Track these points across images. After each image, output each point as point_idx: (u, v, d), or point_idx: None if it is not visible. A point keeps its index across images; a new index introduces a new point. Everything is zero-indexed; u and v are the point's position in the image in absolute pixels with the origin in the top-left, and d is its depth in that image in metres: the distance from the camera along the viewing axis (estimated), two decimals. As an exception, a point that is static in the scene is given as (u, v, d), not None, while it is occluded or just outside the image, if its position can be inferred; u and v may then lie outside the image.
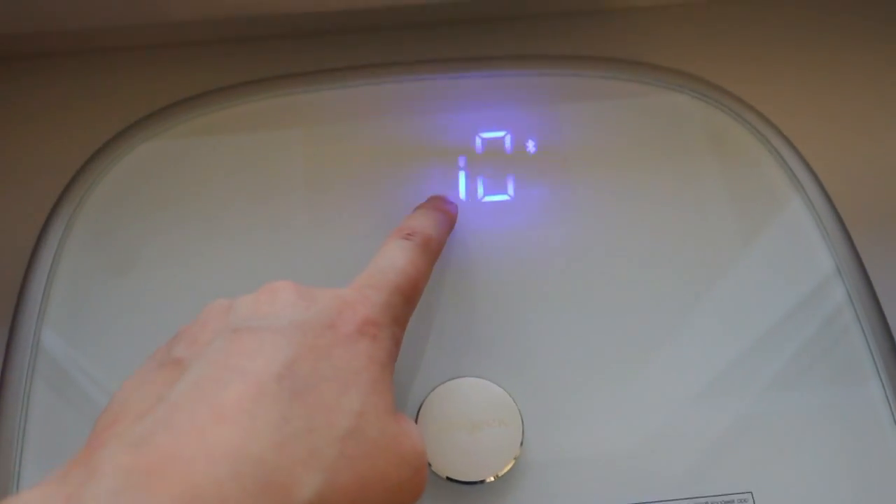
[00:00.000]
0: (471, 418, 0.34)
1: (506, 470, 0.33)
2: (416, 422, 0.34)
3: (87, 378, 0.36)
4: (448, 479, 0.33)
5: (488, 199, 0.40)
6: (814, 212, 0.39)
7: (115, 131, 0.42)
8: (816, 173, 0.41)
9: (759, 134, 0.42)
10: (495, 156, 0.41)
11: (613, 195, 0.41)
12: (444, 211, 0.37)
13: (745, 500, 0.34)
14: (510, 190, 0.41)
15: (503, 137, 0.41)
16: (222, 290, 0.36)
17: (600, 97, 0.43)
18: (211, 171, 0.41)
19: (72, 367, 0.36)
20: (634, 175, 0.41)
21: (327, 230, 0.40)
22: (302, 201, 0.40)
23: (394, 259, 0.32)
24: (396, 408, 0.28)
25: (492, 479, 0.33)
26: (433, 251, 0.34)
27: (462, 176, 0.41)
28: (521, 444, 0.34)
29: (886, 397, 0.36)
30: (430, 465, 0.33)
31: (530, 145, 0.41)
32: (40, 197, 0.41)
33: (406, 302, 0.31)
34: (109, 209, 0.40)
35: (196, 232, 0.40)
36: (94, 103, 0.43)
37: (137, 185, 0.41)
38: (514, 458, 0.34)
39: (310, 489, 0.23)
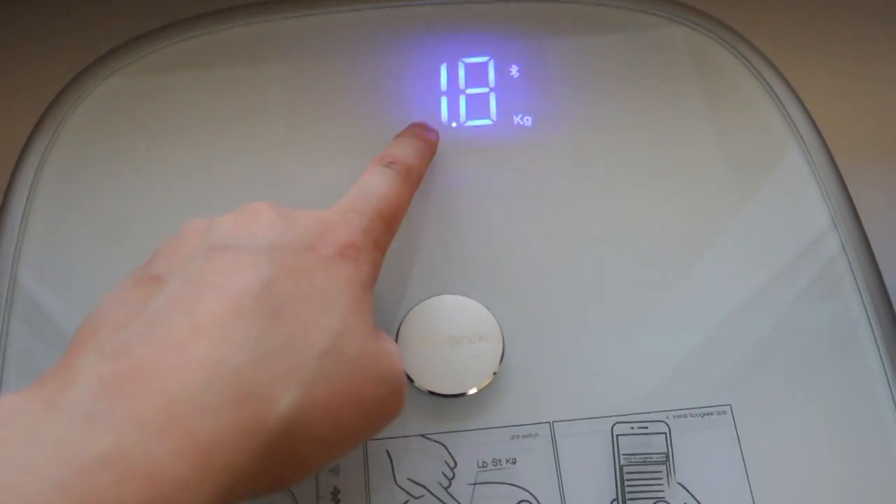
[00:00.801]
0: (452, 334, 0.34)
1: (486, 383, 0.34)
2: (397, 338, 0.34)
3: (65, 316, 0.36)
4: (430, 392, 0.34)
5: (471, 123, 0.40)
6: (810, 159, 0.39)
7: (82, 66, 0.42)
8: (814, 119, 0.40)
9: (757, 73, 0.42)
10: (478, 81, 0.41)
11: (600, 123, 0.41)
12: (426, 139, 0.37)
13: (723, 412, 0.34)
14: (493, 115, 0.40)
15: (486, 63, 0.41)
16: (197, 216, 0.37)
17: (588, 24, 0.43)
18: (184, 100, 0.41)
19: (49, 305, 0.36)
20: (623, 104, 0.41)
21: (306, 157, 0.40)
22: (280, 129, 0.40)
23: (376, 185, 0.32)
24: (376, 328, 0.28)
25: (473, 391, 0.34)
26: (414, 180, 0.34)
27: (444, 101, 0.40)
28: (502, 358, 0.34)
29: (870, 324, 0.36)
30: (412, 379, 0.34)
31: (514, 70, 0.41)
32: (10, 136, 0.40)
33: (387, 228, 0.31)
34: (82, 144, 0.40)
35: (171, 162, 0.40)
36: (59, 38, 0.43)
37: (109, 118, 0.41)
38: (494, 373, 0.34)
39: (287, 403, 0.23)
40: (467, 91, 0.41)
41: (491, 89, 0.41)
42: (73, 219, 0.38)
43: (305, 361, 0.24)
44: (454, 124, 0.41)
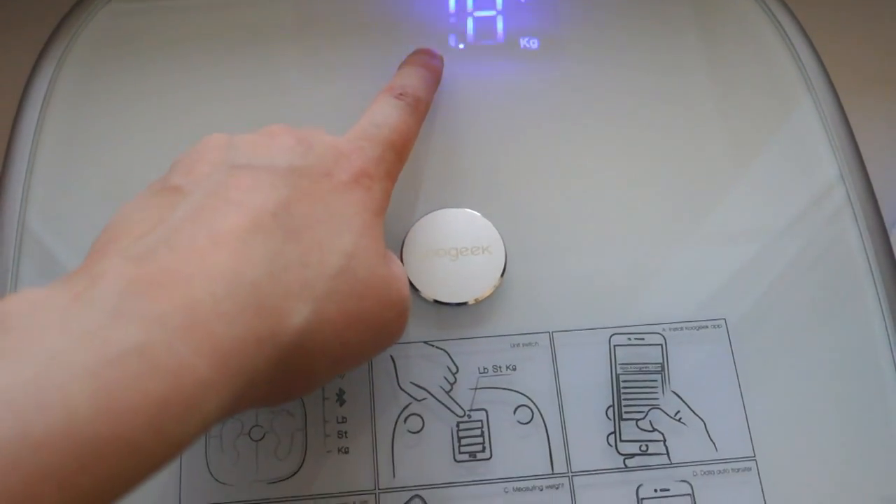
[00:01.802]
0: (455, 245, 0.35)
1: (488, 293, 0.35)
2: (402, 249, 0.35)
3: (74, 257, 0.36)
4: (434, 301, 0.34)
5: (478, 44, 0.41)
6: (820, 109, 0.40)
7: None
8: (827, 69, 0.41)
9: (772, 15, 0.42)
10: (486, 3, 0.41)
11: (608, 49, 0.41)
12: (432, 68, 0.38)
13: (718, 326, 0.35)
14: (500, 35, 0.41)
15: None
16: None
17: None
18: (189, 25, 0.41)
19: (58, 248, 0.37)
20: (630, 37, 0.42)
21: (315, 81, 0.40)
22: (288, 53, 0.41)
23: (387, 116, 0.32)
24: (387, 253, 0.29)
25: (474, 301, 0.34)
26: (422, 111, 0.35)
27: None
28: (504, 270, 0.35)
29: (864, 248, 0.36)
30: (417, 289, 0.34)
31: (521, -5, 0.41)
32: (12, 69, 0.40)
33: (398, 158, 0.32)
34: (85, 76, 0.40)
35: (178, 90, 0.40)
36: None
37: (111, 47, 0.41)
38: (497, 284, 0.35)
39: (300, 317, 0.24)
40: (475, 13, 0.41)
41: (498, 12, 0.41)
42: (80, 153, 0.39)
43: (318, 280, 0.25)
44: (461, 45, 0.41)
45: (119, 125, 0.39)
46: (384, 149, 0.31)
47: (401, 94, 0.34)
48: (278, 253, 0.24)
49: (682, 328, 0.35)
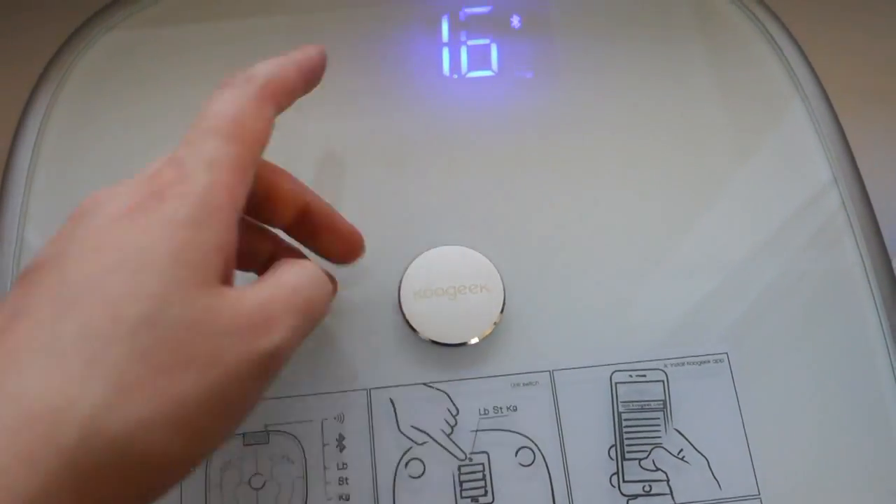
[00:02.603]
0: (453, 284, 0.35)
1: (487, 333, 0.34)
2: (399, 288, 0.35)
3: None
4: (432, 341, 0.34)
5: (472, 74, 0.40)
6: (812, 114, 0.39)
7: (82, 19, 0.42)
8: (817, 73, 0.40)
9: (761, 25, 0.41)
10: (479, 30, 0.41)
11: (601, 74, 0.41)
12: (296, 59, 0.30)
13: (720, 360, 0.35)
14: (494, 65, 0.40)
15: (488, 12, 0.41)
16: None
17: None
18: (186, 53, 0.41)
19: None
20: (624, 56, 0.41)
21: (307, 109, 0.40)
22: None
23: (205, 108, 0.26)
24: (223, 275, 0.22)
25: (474, 341, 0.34)
26: (264, 89, 0.27)
27: (445, 52, 0.40)
28: (503, 308, 0.35)
29: (866, 275, 0.36)
30: (415, 329, 0.34)
31: (515, 21, 0.41)
32: (12, 91, 0.40)
33: (227, 142, 0.24)
34: (84, 98, 0.40)
35: (174, 116, 0.39)
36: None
37: (110, 71, 0.41)
38: (495, 322, 0.34)
39: (86, 403, 0.18)
40: (469, 42, 0.41)
41: (492, 41, 0.41)
42: (78, 175, 0.38)
43: (108, 347, 0.19)
44: (455, 76, 0.40)
45: (115, 151, 0.39)
46: (200, 135, 0.24)
47: (225, 83, 0.27)
48: (52, 339, 0.19)
49: (683, 363, 0.35)
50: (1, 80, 0.41)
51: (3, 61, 0.41)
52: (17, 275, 0.36)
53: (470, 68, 0.40)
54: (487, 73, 0.40)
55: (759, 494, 0.33)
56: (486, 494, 0.33)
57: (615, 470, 0.33)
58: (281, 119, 0.39)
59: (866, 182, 0.38)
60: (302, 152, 0.38)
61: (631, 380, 0.35)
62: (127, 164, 0.37)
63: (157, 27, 0.41)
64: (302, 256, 0.32)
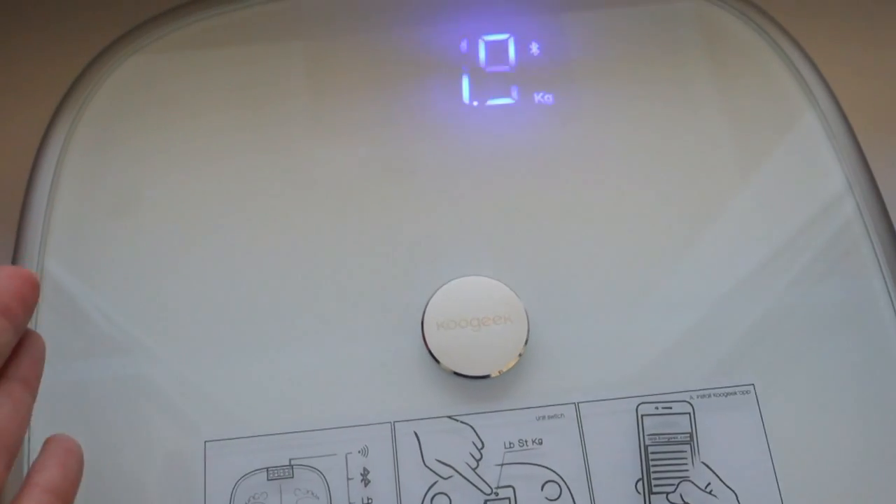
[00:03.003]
0: (477, 315, 0.35)
1: (511, 365, 0.34)
2: (422, 320, 0.34)
3: (93, 301, 0.36)
4: (456, 373, 0.34)
5: (492, 102, 0.40)
6: (826, 124, 0.39)
7: (105, 44, 0.42)
8: (830, 84, 0.40)
9: (773, 41, 0.41)
10: (499, 60, 0.41)
11: (620, 98, 0.41)
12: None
13: (747, 392, 0.34)
14: (514, 94, 0.40)
15: (506, 41, 0.41)
16: (224, 205, 0.37)
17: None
18: (207, 78, 0.41)
19: (76, 291, 0.36)
20: (640, 77, 0.41)
21: (325, 136, 0.40)
22: (300, 107, 0.40)
23: None
24: None
25: (498, 373, 0.34)
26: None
27: (465, 80, 0.40)
28: (527, 340, 0.34)
29: (892, 302, 0.36)
30: (438, 360, 0.34)
31: (534, 48, 0.41)
32: (35, 114, 0.40)
33: None
34: (106, 123, 0.40)
35: (195, 140, 0.40)
36: (83, 16, 0.42)
37: (133, 96, 0.41)
38: (520, 354, 0.34)
39: None
40: (488, 69, 0.41)
41: (511, 68, 0.41)
42: (98, 201, 0.38)
43: None
44: (475, 103, 0.40)
45: (137, 174, 0.39)
46: None
47: None
48: None
49: (709, 395, 0.35)
50: (26, 99, 0.41)
51: (28, 80, 0.41)
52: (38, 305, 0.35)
53: (490, 96, 0.40)
54: (507, 100, 0.40)
55: (789, 529, 0.32)
56: (512, 530, 0.32)
57: (643, 504, 0.33)
58: (300, 142, 0.39)
59: (884, 194, 0.38)
60: (317, 175, 0.38)
61: (657, 412, 0.34)
62: (148, 187, 0.37)
63: (181, 51, 0.42)
64: None
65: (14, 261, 0.36)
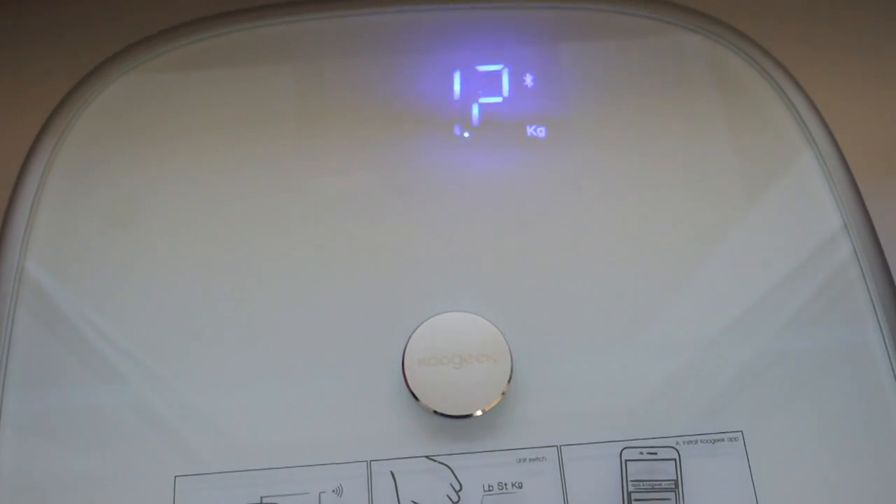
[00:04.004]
0: (459, 352, 0.34)
1: (493, 404, 0.33)
2: (403, 354, 0.34)
3: (73, 307, 0.36)
4: (435, 412, 0.33)
5: (482, 131, 0.39)
6: (823, 164, 0.38)
7: (96, 63, 0.41)
8: (828, 125, 0.39)
9: (771, 79, 0.41)
10: (493, 90, 0.40)
11: (614, 132, 0.40)
12: None
13: (735, 439, 0.33)
14: (507, 125, 0.40)
15: (500, 71, 0.40)
16: (205, 232, 0.36)
17: (602, 31, 0.42)
18: (196, 100, 0.40)
19: (57, 296, 0.36)
20: (636, 112, 0.41)
21: (316, 161, 0.39)
22: (291, 131, 0.40)
23: None
24: None
25: (479, 412, 0.33)
26: None
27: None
28: (510, 379, 0.33)
29: (886, 350, 0.35)
30: (417, 398, 0.33)
31: (528, 80, 0.40)
32: (22, 130, 0.39)
33: None
34: (92, 140, 0.40)
35: (182, 162, 0.39)
36: (74, 34, 0.42)
37: (121, 115, 0.40)
38: (503, 394, 0.33)
39: None
40: (481, 100, 0.40)
41: (505, 99, 0.40)
42: (80, 214, 0.38)
43: None
44: (466, 134, 0.40)
45: (121, 192, 0.39)
46: None
47: None
48: None
49: (696, 441, 0.34)
50: (13, 114, 0.40)
51: (16, 95, 0.41)
52: (17, 301, 0.35)
53: (481, 123, 0.40)
54: (498, 130, 0.39)
55: (775, 585, 0.31)
56: (488, 577, 0.31)
57: (624, 554, 0.32)
58: (290, 166, 0.38)
59: (880, 237, 0.37)
60: (307, 200, 0.38)
61: (642, 457, 0.33)
62: (133, 206, 0.37)
63: (172, 72, 0.41)
64: None
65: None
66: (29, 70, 0.41)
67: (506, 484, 0.33)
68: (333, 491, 0.32)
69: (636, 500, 0.33)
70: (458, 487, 0.33)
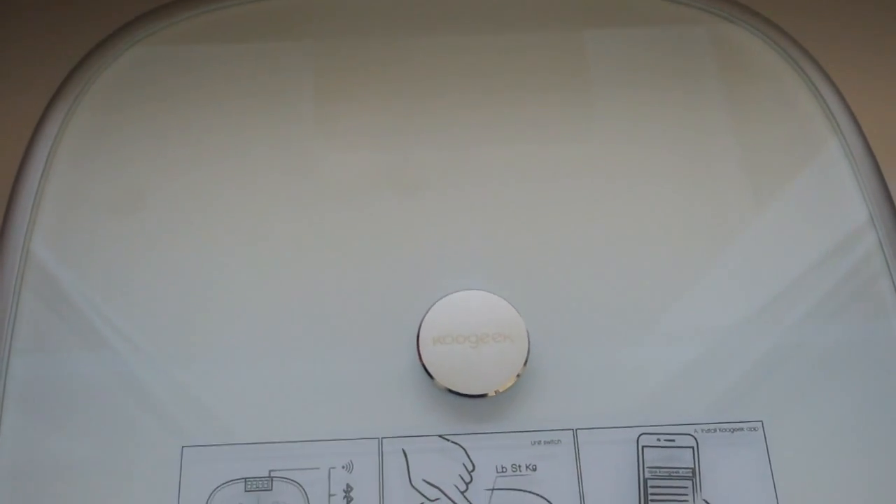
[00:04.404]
0: (476, 332, 0.33)
1: (509, 385, 0.32)
2: (418, 334, 0.33)
3: (78, 287, 0.35)
4: (450, 391, 0.32)
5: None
6: (849, 154, 0.38)
7: (107, 33, 0.41)
8: (855, 114, 0.39)
9: (798, 66, 0.40)
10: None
11: (638, 118, 0.39)
12: None
13: (755, 429, 0.33)
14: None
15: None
16: (219, 206, 0.36)
17: (632, 17, 0.41)
18: (208, 72, 0.40)
19: (62, 276, 0.35)
20: (661, 99, 0.40)
21: (331, 134, 0.39)
22: (306, 105, 0.39)
23: None
24: None
25: (494, 393, 0.32)
26: None
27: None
28: (526, 360, 0.33)
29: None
30: (432, 376, 0.32)
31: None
32: (32, 101, 0.39)
33: None
34: (103, 112, 0.39)
35: (193, 134, 0.38)
36: (85, 4, 0.41)
37: (131, 87, 0.40)
38: (518, 374, 0.33)
39: None
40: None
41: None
42: (90, 189, 0.37)
43: None
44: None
45: (131, 162, 0.38)
46: None
47: None
48: None
49: (715, 430, 0.33)
50: (24, 84, 0.40)
51: (27, 66, 0.40)
52: (21, 285, 0.34)
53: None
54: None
55: (793, 577, 0.30)
56: (499, 560, 0.31)
57: (639, 541, 0.31)
58: (305, 139, 0.38)
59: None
60: (323, 190, 0.37)
61: (659, 444, 0.33)
62: (142, 180, 0.36)
63: (182, 44, 0.41)
64: None
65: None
66: (35, 43, 0.41)
67: (519, 466, 0.32)
68: (343, 467, 0.32)
69: (652, 486, 0.32)
70: (470, 468, 0.32)
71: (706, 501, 0.32)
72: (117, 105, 0.39)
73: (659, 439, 0.33)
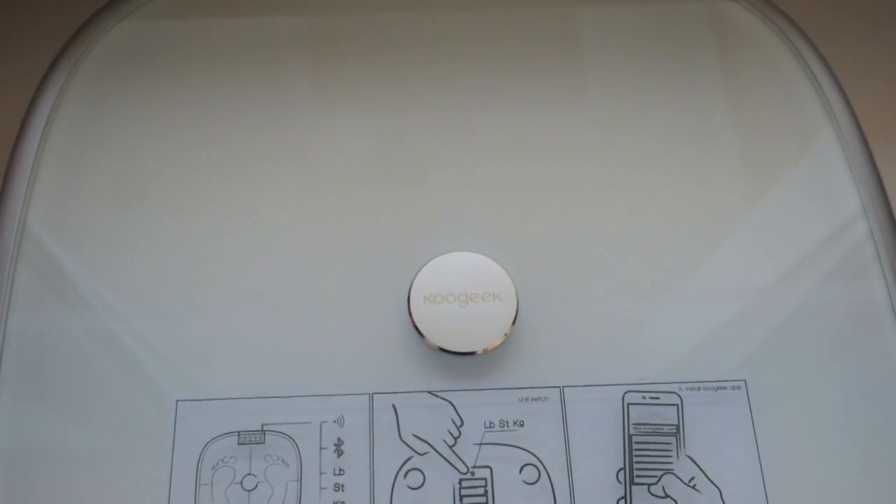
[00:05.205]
0: (465, 291, 0.34)
1: (497, 343, 0.33)
2: (409, 293, 0.33)
3: (73, 263, 0.35)
4: (440, 349, 0.33)
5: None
6: (843, 141, 0.38)
7: (95, 8, 0.41)
8: (850, 101, 0.39)
9: (795, 49, 0.40)
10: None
11: (629, 93, 0.40)
12: None
13: (738, 388, 0.33)
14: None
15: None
16: (211, 171, 0.36)
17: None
18: (200, 46, 0.40)
19: (58, 251, 0.36)
20: (655, 75, 0.40)
21: (327, 107, 0.39)
22: (301, 78, 0.39)
23: None
24: None
25: (483, 350, 0.33)
26: None
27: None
28: (515, 319, 0.33)
29: (893, 310, 0.35)
30: (422, 335, 0.33)
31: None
32: (24, 78, 0.39)
33: None
34: (95, 88, 0.39)
35: (185, 110, 0.39)
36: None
37: (123, 62, 0.40)
38: (506, 333, 0.33)
39: None
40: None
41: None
42: (84, 165, 0.38)
43: None
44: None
45: (124, 141, 0.38)
46: None
47: None
48: None
49: (699, 388, 0.34)
50: (13, 64, 0.40)
51: (15, 46, 0.40)
52: (16, 260, 0.35)
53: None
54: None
55: (773, 530, 0.31)
56: (486, 511, 0.31)
57: (622, 494, 0.32)
58: (301, 112, 0.38)
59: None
60: (314, 153, 0.38)
61: (644, 401, 0.33)
62: (136, 152, 0.36)
63: (169, 19, 0.41)
64: None
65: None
66: (28, 17, 0.41)
67: (507, 422, 0.33)
68: (335, 421, 0.32)
69: (637, 442, 0.33)
70: (459, 423, 0.33)
71: (689, 457, 0.32)
72: (108, 81, 0.39)
73: (644, 397, 0.33)
